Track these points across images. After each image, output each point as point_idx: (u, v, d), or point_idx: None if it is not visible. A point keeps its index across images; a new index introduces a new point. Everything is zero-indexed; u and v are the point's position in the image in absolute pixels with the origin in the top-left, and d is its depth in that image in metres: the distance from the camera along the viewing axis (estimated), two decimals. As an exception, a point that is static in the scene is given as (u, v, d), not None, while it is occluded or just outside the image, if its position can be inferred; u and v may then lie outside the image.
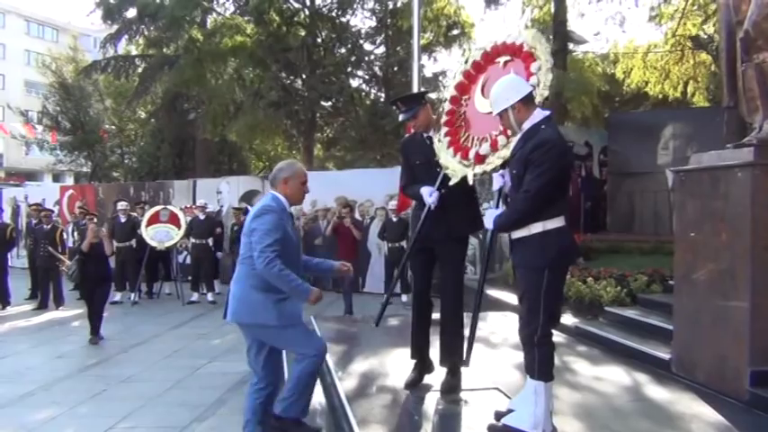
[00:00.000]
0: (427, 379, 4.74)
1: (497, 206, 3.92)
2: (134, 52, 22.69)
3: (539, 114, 3.69)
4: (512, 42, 4.30)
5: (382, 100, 20.63)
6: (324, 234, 11.06)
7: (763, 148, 4.62)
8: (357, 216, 12.68)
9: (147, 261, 12.25)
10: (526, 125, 3.68)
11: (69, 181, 36.34)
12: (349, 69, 20.57)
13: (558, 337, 6.33)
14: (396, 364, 5.29)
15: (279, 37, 19.40)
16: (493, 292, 9.01)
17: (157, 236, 12.10)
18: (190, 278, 12.59)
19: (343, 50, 20.46)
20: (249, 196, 14.91)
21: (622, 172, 13.78)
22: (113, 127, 27.76)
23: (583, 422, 4.08)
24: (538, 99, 3.83)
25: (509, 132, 3.94)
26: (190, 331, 9.41)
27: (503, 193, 3.96)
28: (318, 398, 4.86)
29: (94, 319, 8.48)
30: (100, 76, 24.06)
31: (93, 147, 26.71)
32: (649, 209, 13.27)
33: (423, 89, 10.53)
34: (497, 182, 3.93)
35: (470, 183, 4.24)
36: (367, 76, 21.38)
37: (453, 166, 4.29)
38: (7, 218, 13.87)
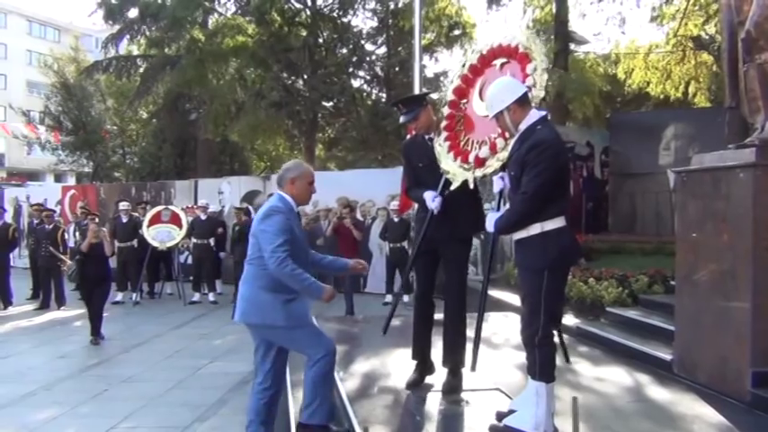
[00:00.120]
0: (428, 379, 4.74)
1: (498, 208, 3.92)
2: (136, 52, 22.71)
3: (534, 115, 3.69)
4: (507, 44, 4.30)
5: (384, 100, 20.63)
6: (324, 234, 11.07)
7: (765, 148, 4.62)
8: (359, 216, 12.69)
9: (148, 261, 12.26)
10: (522, 126, 3.69)
11: (71, 181, 36.37)
12: (350, 70, 20.56)
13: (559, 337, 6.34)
14: (397, 365, 5.29)
15: (280, 37, 19.40)
16: (494, 293, 9.00)
17: (159, 236, 12.12)
18: (191, 278, 12.60)
19: (344, 51, 20.46)
20: (251, 196, 14.92)
21: (624, 172, 13.77)
22: (115, 127, 27.77)
23: (584, 422, 4.07)
24: (535, 101, 3.83)
25: (507, 134, 3.95)
26: (191, 331, 9.42)
27: (503, 196, 3.96)
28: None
29: (95, 319, 8.48)
30: (101, 77, 24.04)
31: (94, 147, 26.71)
32: (651, 209, 13.26)
33: (424, 90, 10.55)
34: (497, 184, 3.94)
35: (471, 186, 4.25)
36: (368, 77, 21.37)
37: (454, 171, 4.31)
38: (9, 218, 13.86)
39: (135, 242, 12.34)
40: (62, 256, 10.89)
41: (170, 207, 12.90)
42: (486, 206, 4.72)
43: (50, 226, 11.40)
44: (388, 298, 11.50)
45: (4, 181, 40.62)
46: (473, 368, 4.07)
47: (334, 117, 21.58)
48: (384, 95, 21.02)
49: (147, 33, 20.58)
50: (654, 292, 7.30)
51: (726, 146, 5.15)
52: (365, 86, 21.56)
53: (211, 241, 12.32)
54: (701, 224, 4.95)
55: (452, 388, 4.48)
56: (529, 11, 17.47)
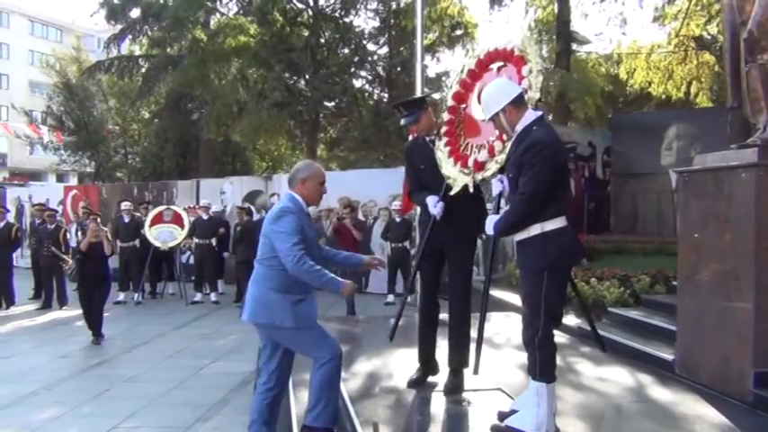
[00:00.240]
0: (430, 379, 4.74)
1: (497, 211, 3.93)
2: (138, 52, 22.72)
3: (530, 116, 3.69)
4: (503, 48, 4.35)
5: (385, 100, 20.63)
6: (325, 234, 11.08)
7: (767, 148, 4.61)
8: (360, 216, 12.70)
9: (150, 261, 12.27)
10: (519, 127, 3.69)
11: (73, 181, 36.41)
12: (352, 70, 20.57)
13: (561, 337, 6.32)
14: (399, 365, 5.29)
15: (282, 37, 19.42)
16: (496, 293, 9.01)
17: (161, 236, 12.13)
18: (193, 278, 12.61)
19: (346, 51, 20.47)
20: (252, 196, 14.94)
21: (626, 172, 13.77)
22: (117, 127, 27.80)
23: (586, 423, 4.08)
24: (531, 102, 3.85)
25: (504, 137, 3.97)
26: (193, 331, 9.43)
27: (503, 198, 3.97)
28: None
29: (95, 318, 8.47)
30: (104, 77, 24.08)
31: (96, 147, 26.75)
32: (653, 209, 13.26)
33: (425, 91, 10.55)
34: (496, 187, 3.94)
35: (471, 190, 4.28)
36: (370, 77, 21.39)
37: (454, 176, 4.35)
38: (11, 218, 13.88)
39: (137, 242, 12.35)
40: (64, 256, 10.91)
41: (172, 207, 12.91)
42: (488, 206, 4.73)
43: (52, 226, 11.41)
44: (390, 298, 11.51)
45: (7, 181, 40.68)
46: (475, 371, 4.07)
47: (335, 117, 21.59)
48: (386, 95, 21.02)
49: (150, 33, 20.59)
50: (656, 292, 7.29)
51: (728, 146, 5.14)
52: (367, 86, 21.58)
53: (213, 241, 12.32)
54: (703, 224, 4.95)
55: (454, 388, 4.48)
56: (531, 11, 17.49)
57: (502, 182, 3.90)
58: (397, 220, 11.43)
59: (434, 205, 4.41)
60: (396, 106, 4.99)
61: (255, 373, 6.49)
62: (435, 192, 4.50)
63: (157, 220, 12.25)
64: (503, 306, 8.36)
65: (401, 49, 20.03)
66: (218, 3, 20.22)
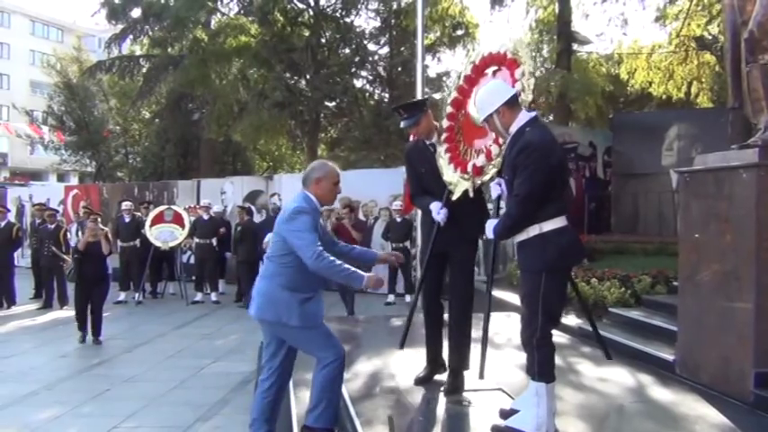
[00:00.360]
0: (437, 377, 4.75)
1: (497, 214, 3.94)
2: (138, 52, 22.75)
3: (524, 117, 3.69)
4: (497, 52, 4.39)
5: (386, 100, 20.65)
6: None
7: (768, 149, 4.61)
8: (361, 216, 12.70)
9: (151, 261, 12.27)
10: (513, 129, 3.70)
11: (74, 181, 36.47)
12: (353, 70, 20.59)
13: (561, 338, 6.34)
14: (399, 365, 5.29)
15: (283, 37, 19.43)
16: (496, 293, 9.00)
17: (161, 236, 12.13)
18: (194, 278, 12.62)
19: (347, 51, 20.48)
20: (253, 196, 14.94)
21: (626, 173, 13.77)
22: (118, 127, 27.83)
23: (586, 423, 4.08)
24: (524, 104, 3.86)
25: (501, 141, 3.99)
26: (194, 331, 9.43)
27: (501, 201, 3.98)
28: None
29: (94, 318, 8.46)
30: (104, 77, 24.11)
31: (97, 147, 26.78)
32: (654, 210, 13.26)
33: (425, 92, 10.55)
34: (495, 190, 3.95)
35: (471, 195, 4.31)
36: (371, 77, 21.40)
37: (455, 182, 4.40)
38: (12, 218, 13.89)
39: (137, 242, 12.36)
40: (64, 256, 10.90)
41: (173, 207, 12.91)
42: (489, 206, 4.74)
43: (53, 226, 11.41)
44: (390, 298, 11.51)
45: (8, 181, 40.73)
46: (481, 375, 4.07)
47: (336, 117, 21.60)
48: (387, 95, 21.05)
49: (150, 33, 20.63)
50: (656, 292, 7.29)
51: (729, 146, 5.14)
52: (368, 86, 21.60)
53: (214, 241, 12.32)
54: (704, 224, 4.94)
55: (454, 388, 4.48)
56: (532, 11, 17.51)
57: (500, 185, 3.90)
58: (398, 220, 11.44)
59: (438, 212, 4.44)
60: (396, 109, 5.01)
61: (256, 373, 6.51)
62: (437, 195, 4.52)
63: (158, 219, 12.25)
64: (503, 306, 8.35)
65: (402, 49, 20.06)
66: (218, 3, 20.25)
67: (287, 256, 3.88)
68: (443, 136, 4.67)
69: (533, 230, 3.58)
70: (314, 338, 3.94)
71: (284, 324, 3.89)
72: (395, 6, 19.72)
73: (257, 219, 13.57)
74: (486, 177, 4.18)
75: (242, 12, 20.65)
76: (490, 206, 4.58)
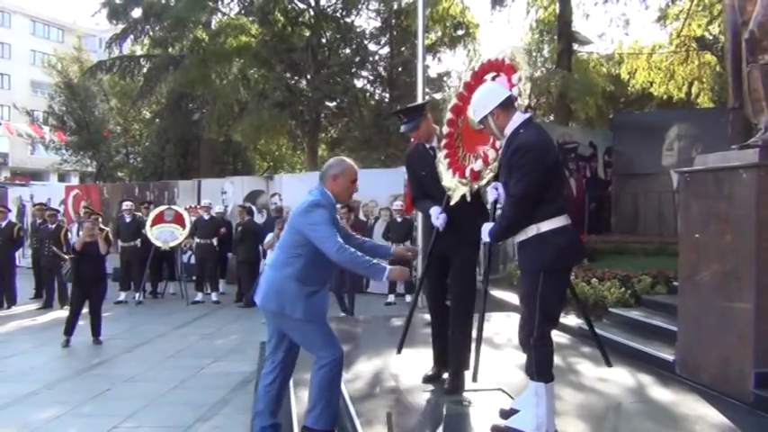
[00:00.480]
0: (445, 376, 4.76)
1: (493, 218, 3.94)
2: (139, 52, 22.73)
3: (518, 119, 3.71)
4: (495, 59, 4.47)
5: (387, 100, 20.65)
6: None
7: (769, 149, 4.61)
8: (361, 216, 12.69)
9: (151, 261, 12.28)
10: (507, 131, 3.71)
11: (74, 181, 36.49)
12: (353, 70, 20.57)
13: (561, 338, 6.34)
14: (399, 365, 5.29)
15: (283, 37, 19.42)
16: (496, 293, 9.01)
17: (162, 236, 12.14)
18: (194, 278, 12.62)
19: (347, 51, 20.47)
20: (253, 196, 14.94)
21: (627, 173, 13.77)
22: (118, 127, 27.85)
23: (586, 423, 4.08)
24: (520, 109, 3.89)
25: (497, 145, 4.02)
26: (194, 331, 9.43)
27: (498, 205, 3.99)
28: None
29: (94, 319, 8.45)
30: (105, 77, 24.11)
31: (98, 147, 26.79)
32: (654, 210, 13.26)
33: (426, 93, 10.56)
34: (491, 195, 3.96)
35: (468, 199, 4.35)
36: (371, 77, 21.39)
37: (453, 186, 4.45)
38: (13, 218, 13.90)
39: (138, 242, 12.37)
40: (65, 256, 10.89)
41: (173, 207, 12.92)
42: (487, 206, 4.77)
43: (53, 225, 11.42)
44: (391, 298, 11.52)
45: (8, 180, 40.75)
46: (474, 378, 4.10)
47: (336, 117, 21.59)
48: (387, 96, 21.04)
49: (151, 33, 20.61)
50: (656, 292, 7.29)
51: (729, 146, 5.14)
52: (368, 86, 21.57)
53: (214, 241, 12.33)
54: (704, 225, 4.94)
55: (455, 388, 4.49)
56: (532, 11, 17.52)
57: (496, 189, 3.91)
58: (398, 220, 11.44)
59: (437, 217, 4.49)
60: (396, 114, 5.04)
61: (257, 373, 6.51)
62: (438, 198, 4.57)
63: (159, 219, 12.26)
64: (503, 306, 8.36)
65: (402, 49, 20.04)
66: (219, 3, 20.25)
67: (300, 248, 3.87)
68: (443, 142, 4.72)
69: (532, 231, 3.59)
70: (315, 334, 3.93)
71: (287, 315, 3.88)
72: (395, 6, 19.70)
73: (258, 219, 13.57)
74: (484, 182, 4.22)
75: (242, 12, 20.64)
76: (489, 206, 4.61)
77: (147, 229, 12.17)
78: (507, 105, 3.72)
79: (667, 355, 5.41)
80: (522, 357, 3.81)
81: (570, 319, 7.06)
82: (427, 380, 4.76)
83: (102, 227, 8.92)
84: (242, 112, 19.82)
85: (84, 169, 30.14)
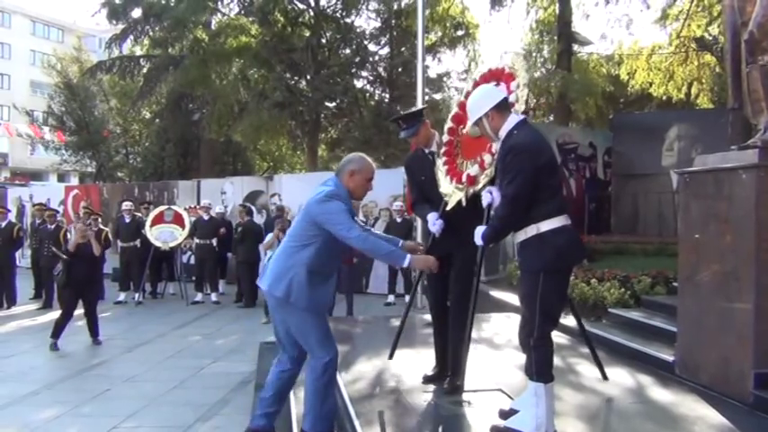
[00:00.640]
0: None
1: (487, 222, 3.95)
2: (139, 52, 22.74)
3: (513, 120, 3.72)
4: (496, 68, 4.58)
5: (387, 101, 20.66)
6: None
7: (768, 149, 4.61)
8: (361, 217, 12.69)
9: (151, 261, 12.28)
10: (502, 133, 3.73)
11: (74, 181, 36.49)
12: (353, 70, 20.59)
13: (561, 338, 6.34)
14: (399, 365, 5.28)
15: (283, 37, 19.44)
16: (496, 294, 9.02)
17: (162, 236, 12.14)
18: (194, 278, 12.62)
19: (347, 51, 20.48)
20: (253, 196, 14.95)
21: (627, 173, 13.75)
22: (118, 127, 27.85)
23: (586, 423, 4.08)
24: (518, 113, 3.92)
25: (493, 149, 4.05)
26: (194, 331, 9.43)
27: (492, 209, 4.00)
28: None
29: (90, 320, 8.43)
30: (105, 77, 24.11)
31: (97, 147, 26.79)
32: (654, 210, 13.24)
33: (426, 93, 10.56)
34: (486, 199, 3.95)
35: (464, 204, 4.38)
36: (371, 77, 21.40)
37: (450, 192, 4.51)
38: (12, 218, 13.90)
39: (138, 242, 12.37)
40: (64, 256, 10.88)
41: (173, 207, 12.93)
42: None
43: (53, 226, 11.42)
44: (390, 298, 11.52)
45: (8, 181, 40.74)
46: (458, 381, 4.12)
47: (336, 117, 21.60)
48: (387, 96, 21.05)
49: (151, 33, 20.64)
50: (656, 293, 7.28)
51: (728, 147, 5.14)
52: (368, 87, 21.59)
53: (214, 241, 12.33)
54: (704, 225, 4.94)
55: (454, 389, 4.49)
56: (532, 12, 17.51)
57: (491, 193, 3.91)
58: (398, 220, 11.44)
59: (433, 223, 4.55)
60: (395, 120, 5.08)
61: (256, 373, 6.52)
62: (437, 202, 4.63)
63: (158, 220, 12.26)
64: (503, 306, 8.35)
65: (402, 49, 20.04)
66: (219, 3, 20.25)
67: (312, 236, 3.85)
68: (443, 150, 4.79)
69: (531, 231, 3.58)
70: (314, 327, 3.91)
71: (291, 303, 3.85)
72: (395, 7, 19.71)
73: (258, 219, 13.57)
74: (479, 186, 4.23)
75: (242, 12, 20.65)
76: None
77: (146, 229, 12.18)
78: (502, 107, 3.73)
79: (667, 355, 5.40)
80: (521, 358, 3.81)
81: (570, 320, 7.03)
82: (428, 380, 4.77)
83: (102, 227, 8.90)
84: (242, 113, 19.82)
85: (84, 169, 30.14)
